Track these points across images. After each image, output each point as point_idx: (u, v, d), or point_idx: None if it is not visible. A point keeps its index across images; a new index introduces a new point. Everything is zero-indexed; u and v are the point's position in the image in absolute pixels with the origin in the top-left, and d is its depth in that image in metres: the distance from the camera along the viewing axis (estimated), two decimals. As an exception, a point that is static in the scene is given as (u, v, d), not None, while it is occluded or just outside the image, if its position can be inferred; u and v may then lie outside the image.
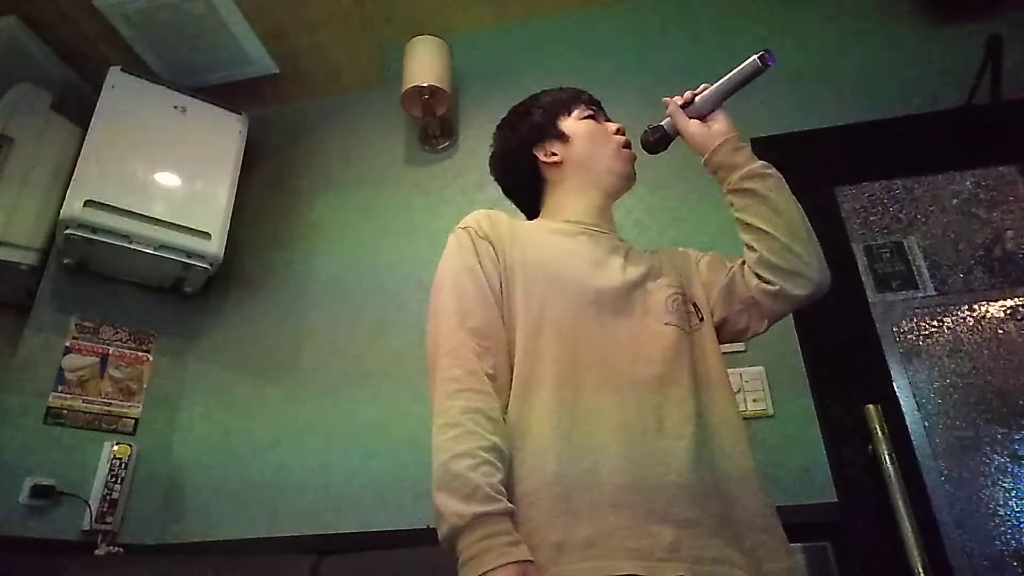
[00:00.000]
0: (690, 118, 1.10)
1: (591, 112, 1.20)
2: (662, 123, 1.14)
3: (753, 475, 0.93)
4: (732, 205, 1.07)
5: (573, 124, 1.18)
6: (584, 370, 0.92)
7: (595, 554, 0.78)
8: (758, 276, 1.03)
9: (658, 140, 1.14)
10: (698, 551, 0.81)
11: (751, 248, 1.04)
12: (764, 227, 1.02)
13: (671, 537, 0.80)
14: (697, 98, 1.10)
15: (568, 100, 1.21)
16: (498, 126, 1.27)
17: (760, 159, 1.07)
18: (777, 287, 1.02)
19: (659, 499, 0.83)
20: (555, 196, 1.17)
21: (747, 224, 1.04)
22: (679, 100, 1.11)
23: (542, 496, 0.83)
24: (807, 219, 1.05)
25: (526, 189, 1.22)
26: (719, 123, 1.08)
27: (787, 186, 1.05)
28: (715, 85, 1.08)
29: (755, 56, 1.03)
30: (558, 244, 1.07)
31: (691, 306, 1.06)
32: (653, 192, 1.94)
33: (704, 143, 1.08)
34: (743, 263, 1.07)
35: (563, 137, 1.17)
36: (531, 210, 1.23)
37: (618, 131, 1.19)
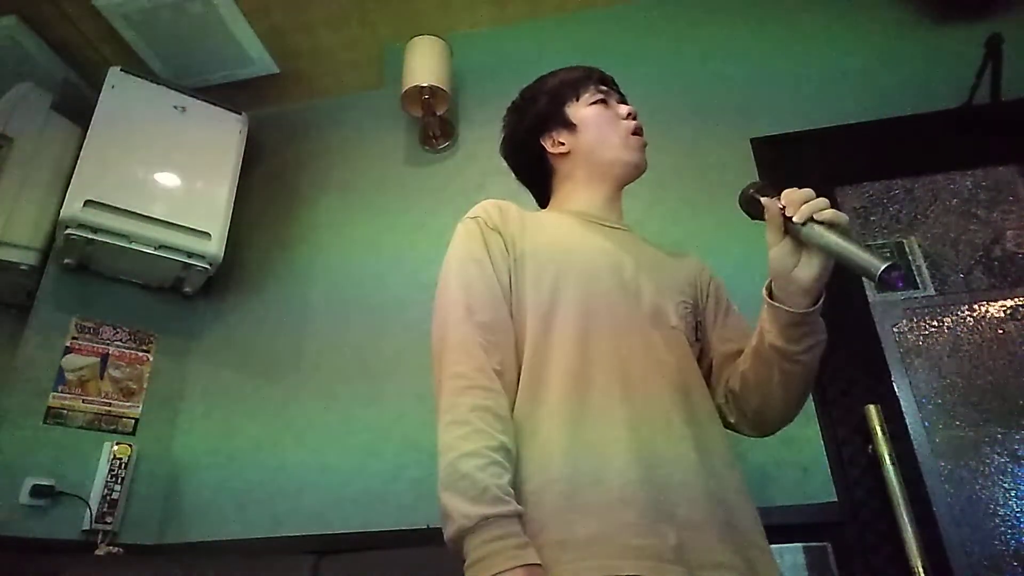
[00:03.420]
0: (786, 231, 0.86)
1: (601, 95, 1.15)
2: (767, 199, 0.89)
3: (746, 492, 0.93)
4: (754, 341, 0.95)
5: (581, 111, 1.14)
6: (594, 366, 0.90)
7: (598, 552, 0.76)
8: (725, 398, 1.02)
9: (750, 209, 0.92)
10: (701, 556, 0.80)
11: (737, 381, 0.99)
12: (755, 391, 0.97)
13: (676, 539, 0.79)
14: (811, 225, 0.83)
15: (577, 82, 1.16)
16: (508, 108, 1.24)
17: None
18: (733, 421, 1.03)
19: (666, 499, 0.81)
20: (564, 187, 1.16)
21: (752, 368, 0.96)
22: (791, 208, 0.84)
23: (548, 494, 0.81)
24: (803, 403, 0.98)
25: (535, 178, 1.21)
26: (805, 276, 0.85)
27: (814, 370, 0.93)
28: (836, 238, 0.82)
29: (884, 264, 0.76)
30: (569, 236, 1.05)
31: (694, 320, 1.06)
32: (653, 192, 1.93)
33: (777, 279, 0.88)
34: (735, 357, 1.02)
35: (570, 125, 1.14)
36: (541, 197, 1.22)
37: (629, 115, 1.15)
